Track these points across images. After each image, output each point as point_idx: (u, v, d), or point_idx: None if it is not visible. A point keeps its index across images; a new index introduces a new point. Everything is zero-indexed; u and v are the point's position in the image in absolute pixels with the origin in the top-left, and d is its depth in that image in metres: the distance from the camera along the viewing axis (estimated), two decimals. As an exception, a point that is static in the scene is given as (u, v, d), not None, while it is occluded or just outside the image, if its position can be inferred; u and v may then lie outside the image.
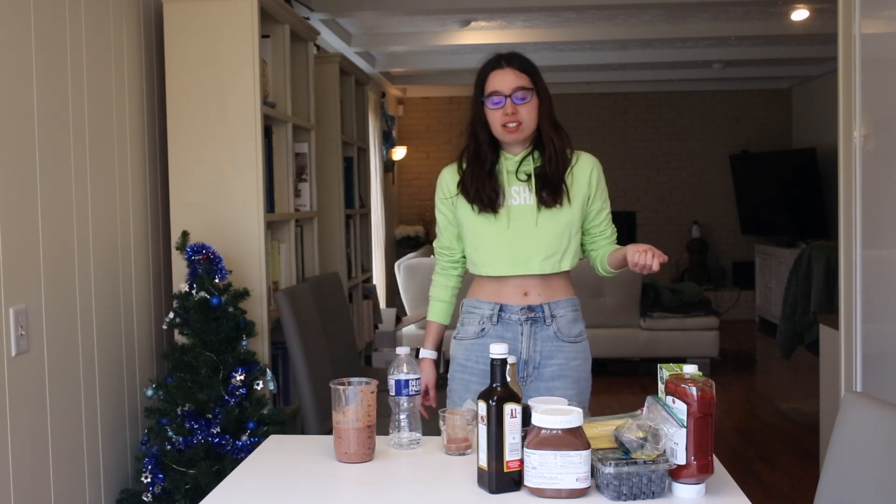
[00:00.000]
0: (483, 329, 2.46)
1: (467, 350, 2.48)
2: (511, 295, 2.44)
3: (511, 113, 2.38)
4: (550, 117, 2.46)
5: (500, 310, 2.44)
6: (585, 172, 2.48)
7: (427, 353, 2.54)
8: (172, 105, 3.17)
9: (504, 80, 2.39)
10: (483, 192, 2.42)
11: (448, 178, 2.52)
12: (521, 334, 2.43)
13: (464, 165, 2.48)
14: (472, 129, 2.47)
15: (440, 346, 2.61)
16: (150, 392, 2.83)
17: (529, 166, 2.44)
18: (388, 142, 8.76)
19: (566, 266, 2.45)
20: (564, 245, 2.43)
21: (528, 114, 2.40)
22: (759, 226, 9.32)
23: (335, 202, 4.64)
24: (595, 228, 2.52)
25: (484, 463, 1.71)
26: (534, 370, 2.44)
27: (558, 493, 1.64)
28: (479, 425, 1.73)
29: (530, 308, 2.43)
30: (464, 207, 2.46)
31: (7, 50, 2.27)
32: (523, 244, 2.41)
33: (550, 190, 2.41)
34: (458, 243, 2.54)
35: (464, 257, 2.56)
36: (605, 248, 2.52)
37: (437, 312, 2.59)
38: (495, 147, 2.46)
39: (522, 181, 2.43)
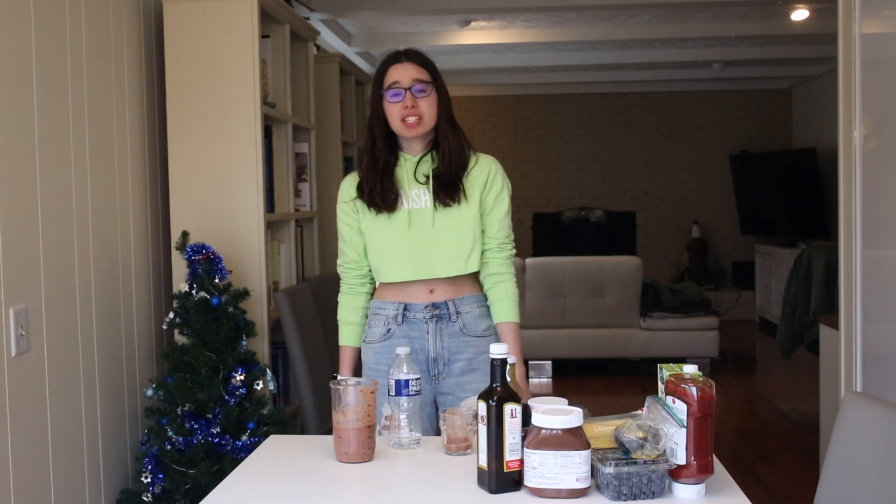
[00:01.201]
0: (389, 330, 2.43)
1: (376, 353, 2.44)
2: (416, 294, 2.41)
3: (411, 106, 2.34)
4: (448, 116, 2.42)
5: (405, 309, 2.42)
6: (483, 173, 2.44)
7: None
8: (172, 105, 3.17)
9: (403, 73, 2.36)
10: (375, 192, 2.38)
11: (348, 183, 2.49)
12: (427, 332, 2.41)
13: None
14: (370, 125, 2.42)
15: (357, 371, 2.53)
16: (150, 392, 2.83)
17: (427, 166, 2.41)
18: (388, 142, 8.75)
19: (473, 267, 2.42)
20: (469, 246, 2.40)
21: (428, 108, 2.36)
22: (759, 226, 9.32)
23: (335, 202, 4.63)
24: (489, 228, 2.44)
25: (484, 463, 1.71)
26: (444, 367, 2.42)
27: (558, 493, 1.64)
28: (479, 425, 1.73)
29: (435, 305, 2.41)
30: (364, 211, 2.44)
31: (7, 50, 2.27)
32: (425, 246, 2.38)
33: (446, 189, 2.38)
34: (366, 255, 2.49)
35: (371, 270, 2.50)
36: (492, 271, 2.43)
37: (350, 336, 2.52)
38: (392, 145, 2.42)
39: (421, 184, 2.40)
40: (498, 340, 2.45)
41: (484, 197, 2.44)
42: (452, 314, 2.42)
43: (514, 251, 2.51)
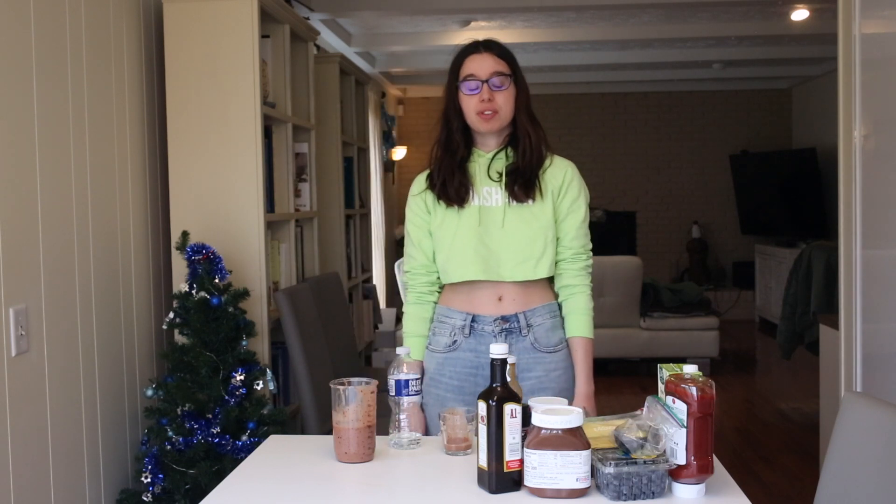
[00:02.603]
0: (455, 342, 2.31)
1: (439, 364, 2.32)
2: (484, 303, 2.29)
3: (488, 99, 2.24)
4: (527, 110, 2.33)
5: (473, 320, 2.29)
6: (559, 175, 2.34)
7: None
8: (172, 105, 3.17)
9: (481, 65, 2.27)
10: (450, 185, 2.29)
11: (420, 178, 2.40)
12: None
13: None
14: (446, 117, 2.33)
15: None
16: (150, 392, 2.83)
17: (501, 164, 2.32)
18: (388, 142, 8.76)
19: (542, 273, 2.28)
20: (539, 250, 2.27)
21: (505, 101, 2.27)
22: (759, 226, 9.33)
23: (335, 202, 4.64)
24: (564, 237, 2.33)
25: (484, 463, 1.71)
26: None
27: (558, 493, 1.64)
28: (479, 425, 1.73)
29: (504, 318, 2.28)
30: (434, 206, 2.33)
31: (7, 50, 2.27)
32: (494, 246, 2.27)
33: (522, 184, 2.28)
34: (435, 259, 2.36)
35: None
36: (567, 282, 2.33)
37: (418, 350, 2.36)
38: (468, 138, 2.34)
39: (495, 181, 2.30)
40: (569, 356, 2.34)
41: (559, 203, 2.32)
42: (523, 328, 2.29)
43: (590, 261, 2.37)
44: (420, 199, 2.37)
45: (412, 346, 2.36)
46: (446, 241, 2.31)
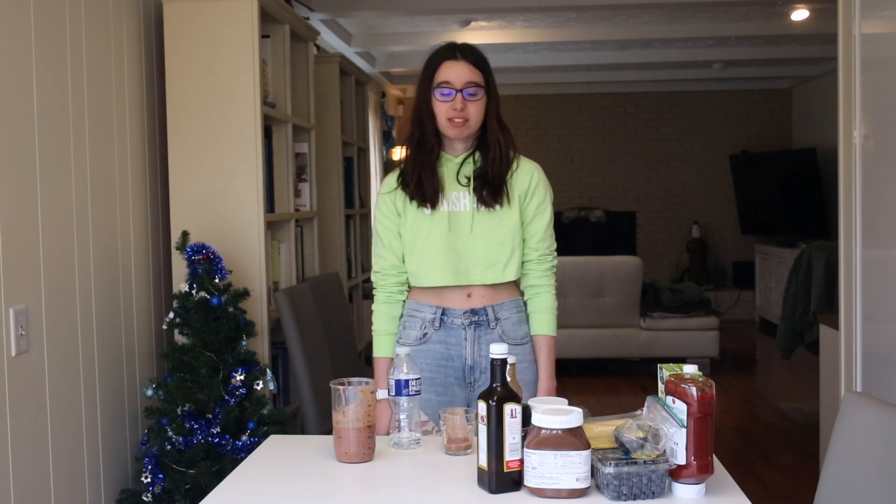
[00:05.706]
0: (425, 334, 2.36)
1: (410, 357, 2.34)
2: (453, 299, 2.35)
3: (460, 108, 2.27)
4: (497, 116, 2.36)
5: (443, 314, 2.35)
6: (525, 179, 2.37)
7: (384, 394, 2.21)
8: (172, 105, 3.17)
9: (457, 73, 2.29)
10: (425, 184, 2.31)
11: (391, 177, 2.41)
12: (465, 339, 2.35)
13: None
14: (418, 116, 2.35)
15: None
16: (150, 392, 2.83)
17: (469, 168, 2.35)
18: (388, 142, 8.76)
19: (510, 276, 2.35)
20: (507, 254, 2.33)
21: (476, 111, 2.30)
22: (759, 226, 9.32)
23: (335, 202, 4.64)
24: (530, 239, 2.39)
25: (484, 463, 1.71)
26: (480, 375, 2.35)
27: (558, 493, 1.64)
28: (479, 425, 1.73)
29: (473, 311, 2.34)
30: (406, 208, 2.35)
31: (7, 50, 2.27)
32: (463, 251, 2.31)
33: (490, 190, 2.31)
34: (404, 259, 2.39)
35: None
36: (531, 283, 2.40)
37: (388, 347, 2.40)
38: (439, 139, 2.35)
39: (463, 185, 2.33)
40: (533, 350, 2.42)
41: (525, 206, 2.37)
42: (491, 321, 2.35)
43: (555, 262, 2.44)
44: (389, 199, 2.38)
45: (382, 344, 2.41)
46: (416, 245, 2.35)
